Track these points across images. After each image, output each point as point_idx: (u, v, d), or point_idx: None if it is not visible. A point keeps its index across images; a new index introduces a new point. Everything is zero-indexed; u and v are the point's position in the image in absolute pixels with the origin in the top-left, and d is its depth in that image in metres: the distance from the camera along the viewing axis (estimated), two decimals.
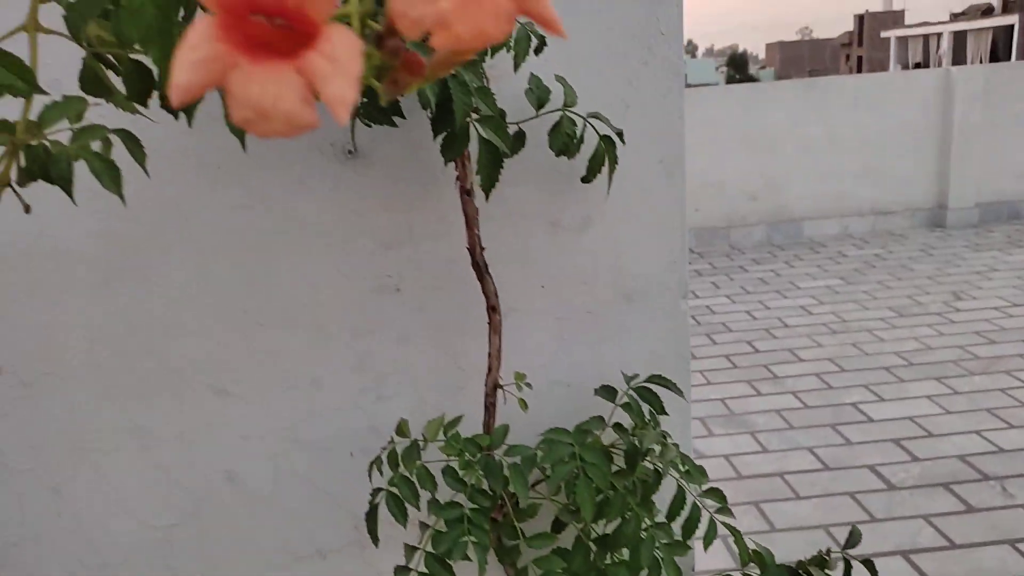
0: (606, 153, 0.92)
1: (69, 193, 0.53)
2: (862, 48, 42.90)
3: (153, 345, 1.04)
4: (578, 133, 0.92)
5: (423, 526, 0.95)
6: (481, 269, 0.96)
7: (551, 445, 0.94)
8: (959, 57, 28.99)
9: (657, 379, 0.99)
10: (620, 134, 0.93)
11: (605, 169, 0.93)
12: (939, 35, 30.59)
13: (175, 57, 0.27)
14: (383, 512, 0.95)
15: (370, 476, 0.97)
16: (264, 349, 1.05)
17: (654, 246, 1.05)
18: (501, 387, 1.00)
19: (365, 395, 1.08)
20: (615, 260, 1.05)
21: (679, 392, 0.99)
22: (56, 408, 1.06)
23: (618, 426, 0.99)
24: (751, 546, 0.99)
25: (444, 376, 1.07)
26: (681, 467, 0.97)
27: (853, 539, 0.99)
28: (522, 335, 1.05)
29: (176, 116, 0.65)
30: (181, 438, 1.08)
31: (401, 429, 0.99)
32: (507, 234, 1.01)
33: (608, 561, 0.95)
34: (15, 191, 0.47)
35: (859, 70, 41.99)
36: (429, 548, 0.91)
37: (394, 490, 0.94)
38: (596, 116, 0.92)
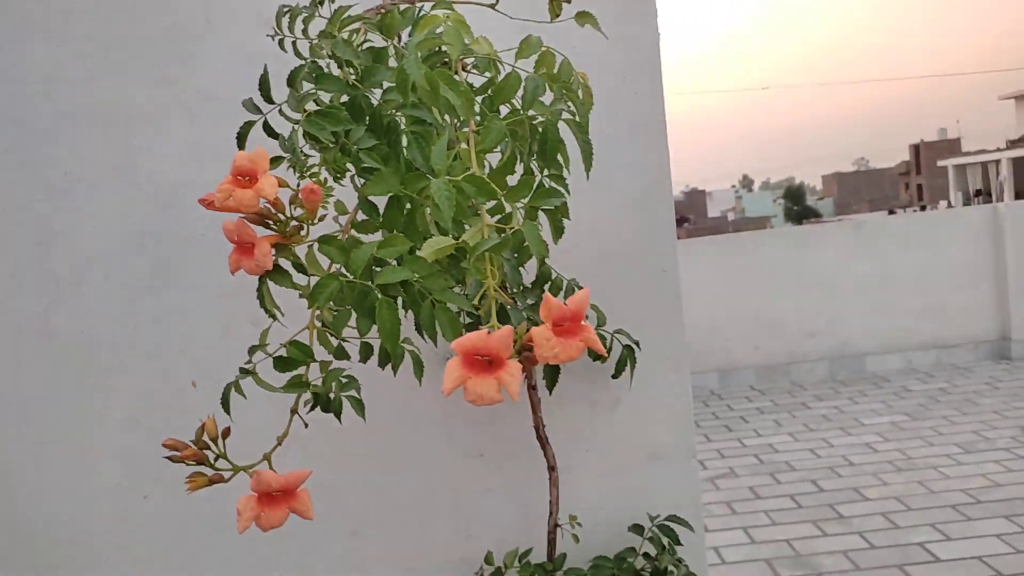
0: (628, 357, 1.34)
1: None
2: (920, 176, 43.24)
3: None
4: (608, 344, 1.34)
5: None
6: (543, 441, 1.36)
7: (597, 569, 1.29)
8: (1021, 182, 28.92)
9: (673, 519, 1.35)
10: (638, 343, 1.35)
11: (628, 367, 1.35)
12: (997, 162, 30.76)
13: (448, 373, 0.70)
14: None
15: None
16: (393, 503, 1.47)
17: (667, 420, 1.44)
18: (559, 526, 1.37)
19: (458, 534, 1.46)
20: (641, 430, 1.45)
21: (690, 527, 1.35)
22: None
23: (646, 554, 1.34)
24: None
25: (517, 519, 1.45)
26: None
27: None
28: (574, 487, 1.42)
29: None
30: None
31: (488, 559, 1.36)
32: (559, 413, 1.42)
33: None
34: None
35: (920, 198, 42.09)
36: None
37: None
38: (620, 332, 1.35)
